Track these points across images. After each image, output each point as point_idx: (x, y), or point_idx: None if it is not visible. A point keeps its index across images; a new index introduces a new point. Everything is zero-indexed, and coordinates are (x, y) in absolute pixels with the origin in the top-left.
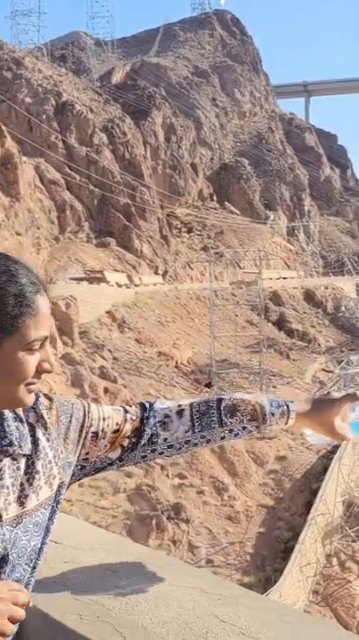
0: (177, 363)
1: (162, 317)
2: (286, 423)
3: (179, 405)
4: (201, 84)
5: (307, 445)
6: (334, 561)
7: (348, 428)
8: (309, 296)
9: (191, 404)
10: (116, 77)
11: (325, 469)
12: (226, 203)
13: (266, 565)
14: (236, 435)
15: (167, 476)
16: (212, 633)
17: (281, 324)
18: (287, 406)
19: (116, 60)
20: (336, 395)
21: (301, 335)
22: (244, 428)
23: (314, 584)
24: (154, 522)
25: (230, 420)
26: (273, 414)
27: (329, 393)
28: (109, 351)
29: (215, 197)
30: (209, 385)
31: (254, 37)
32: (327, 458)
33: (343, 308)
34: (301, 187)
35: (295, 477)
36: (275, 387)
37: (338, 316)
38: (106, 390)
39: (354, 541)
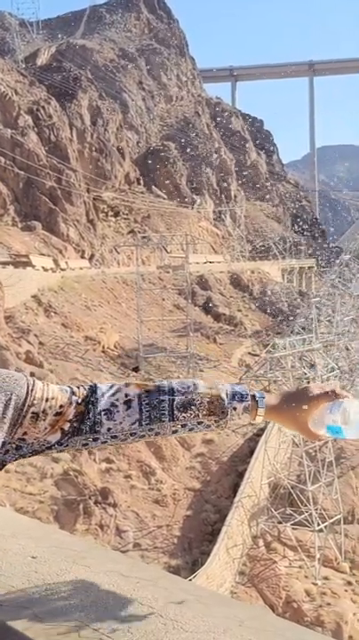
0: (104, 347)
1: (88, 302)
2: (254, 418)
3: (127, 395)
4: (127, 67)
5: (234, 429)
6: (260, 542)
7: (323, 429)
8: (236, 280)
9: (139, 395)
10: (42, 59)
11: (251, 452)
12: (152, 187)
13: (193, 548)
14: (191, 429)
15: (94, 460)
16: (131, 616)
17: (208, 308)
18: (256, 400)
19: (41, 41)
20: (314, 390)
21: (228, 319)
22: (201, 422)
23: (240, 565)
24: (81, 507)
25: (183, 414)
26: (234, 408)
27: (306, 389)
28: (35, 336)
29: (142, 181)
30: (136, 369)
31: (181, 21)
32: (253, 440)
33: (269, 293)
34: (228, 171)
35: (222, 460)
36: (202, 370)
37: (264, 301)
38: (32, 375)
39: (279, 523)
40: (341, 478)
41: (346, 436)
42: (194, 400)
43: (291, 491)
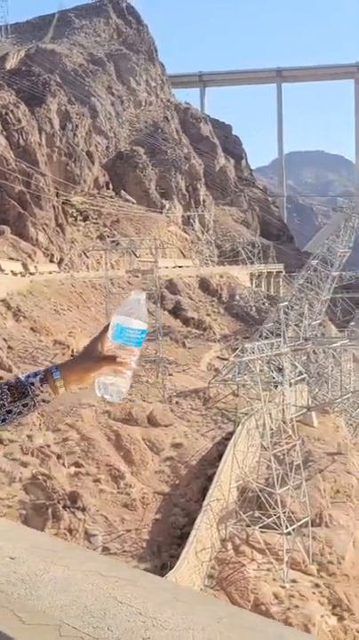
0: (73, 351)
1: (58, 306)
2: (54, 387)
3: None
4: (96, 72)
5: (203, 432)
6: (229, 545)
7: (112, 346)
8: (204, 285)
9: None
10: (10, 63)
11: (220, 456)
12: (122, 191)
13: (162, 552)
14: (3, 420)
15: (63, 464)
16: (111, 614)
17: (177, 312)
18: (50, 370)
19: (10, 45)
20: (96, 351)
21: (197, 323)
22: (10, 411)
23: (209, 568)
24: (50, 511)
25: None
26: (32, 384)
27: (94, 348)
28: (4, 340)
29: (111, 186)
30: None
31: (150, 26)
32: (222, 444)
33: (237, 297)
34: (197, 176)
35: (191, 464)
36: (171, 374)
37: (232, 305)
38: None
39: (248, 526)
40: (309, 481)
41: (128, 326)
42: None
43: (260, 494)
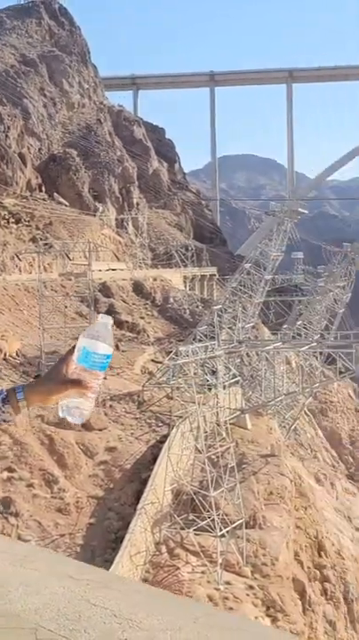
0: (5, 355)
1: None
2: (16, 407)
3: None
4: (29, 74)
5: (137, 436)
6: (163, 549)
7: (78, 368)
8: (138, 288)
9: None
10: None
11: (155, 459)
12: (54, 194)
13: (96, 556)
14: None
15: None
16: (85, 616)
17: (110, 315)
18: (14, 390)
19: None
20: (61, 374)
21: (130, 326)
22: None
23: (143, 572)
24: None
25: None
26: None
27: (59, 371)
28: None
29: (44, 188)
30: (38, 377)
31: (83, 28)
32: (157, 447)
33: (171, 300)
34: (130, 179)
35: (125, 468)
36: (105, 378)
37: (166, 308)
38: None
39: (182, 529)
40: (243, 483)
41: (93, 350)
42: None
43: (194, 497)
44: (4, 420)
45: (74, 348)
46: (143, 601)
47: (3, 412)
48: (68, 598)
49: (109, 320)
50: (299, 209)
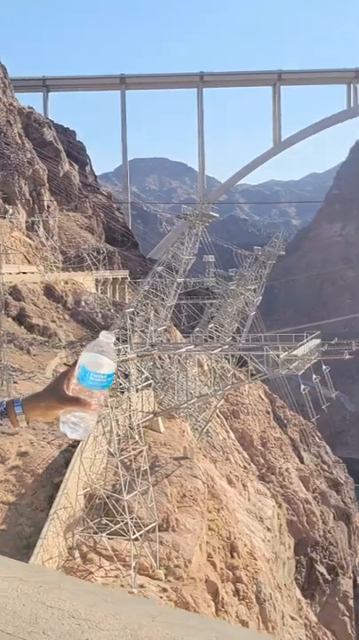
0: None
1: None
2: (15, 421)
3: None
4: None
5: (49, 440)
6: (76, 553)
7: (78, 386)
8: (49, 291)
9: None
10: None
11: (67, 463)
12: None
13: None
14: None
15: None
16: (42, 618)
17: (21, 318)
18: (12, 403)
19: None
20: (64, 391)
21: (42, 330)
22: None
23: None
24: None
25: None
26: None
27: (59, 389)
28: None
29: None
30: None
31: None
32: (69, 452)
33: (83, 303)
34: (40, 181)
35: (37, 472)
36: (16, 382)
37: (78, 311)
38: None
39: (95, 533)
40: (156, 486)
41: (93, 370)
42: None
43: (107, 500)
44: (3, 432)
45: (76, 362)
46: (98, 601)
47: (1, 424)
48: (23, 601)
49: (112, 337)
50: (211, 212)
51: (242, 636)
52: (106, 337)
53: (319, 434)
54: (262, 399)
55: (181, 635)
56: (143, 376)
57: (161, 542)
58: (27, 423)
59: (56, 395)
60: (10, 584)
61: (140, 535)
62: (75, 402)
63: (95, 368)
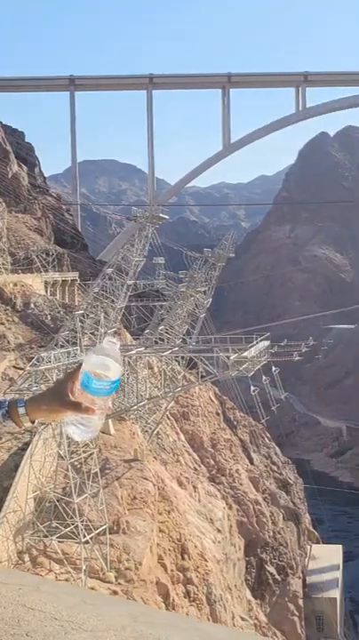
0: None
1: None
2: (19, 422)
3: None
4: None
5: None
6: (26, 557)
7: (82, 393)
8: None
9: None
10: None
11: (17, 466)
12: None
13: None
14: None
15: None
16: (25, 620)
17: None
18: (15, 404)
19: None
20: (67, 396)
21: None
22: None
23: None
24: None
25: None
26: None
27: (63, 392)
28: None
29: None
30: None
31: None
32: (18, 455)
33: (32, 305)
34: None
35: None
36: None
37: (27, 313)
38: None
39: (45, 536)
40: (106, 489)
41: (95, 379)
42: None
43: (57, 503)
44: (8, 433)
45: (81, 365)
46: (78, 602)
47: (4, 426)
48: (3, 604)
49: (117, 342)
50: (161, 214)
51: (223, 634)
52: (110, 341)
53: (269, 435)
54: (212, 401)
55: (165, 634)
56: None
57: (111, 545)
58: (33, 422)
59: (59, 399)
60: None
61: (91, 538)
62: (78, 407)
63: (99, 374)
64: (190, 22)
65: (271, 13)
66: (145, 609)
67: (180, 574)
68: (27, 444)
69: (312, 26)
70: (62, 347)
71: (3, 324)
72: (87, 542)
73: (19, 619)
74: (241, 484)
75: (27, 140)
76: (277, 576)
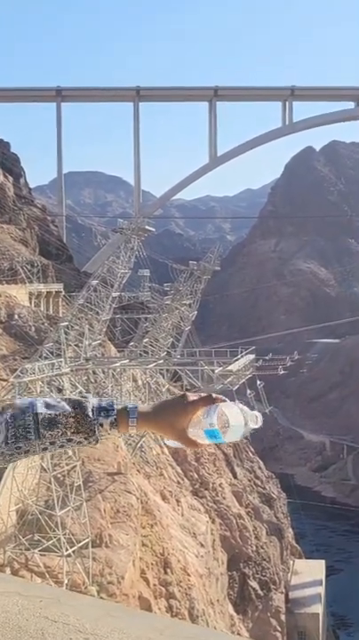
0: None
1: None
2: (126, 431)
3: None
4: None
5: None
6: (7, 571)
7: (201, 435)
8: None
9: (10, 415)
10: None
11: None
12: None
13: None
14: (62, 446)
15: None
16: (49, 633)
17: None
18: (127, 413)
19: None
20: (190, 396)
21: None
22: (70, 440)
23: None
24: None
25: (49, 432)
26: (101, 425)
27: (183, 396)
28: None
29: None
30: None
31: None
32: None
33: (16, 317)
34: None
35: None
36: None
37: (11, 325)
38: None
39: (27, 549)
40: (89, 502)
41: (224, 439)
42: (59, 418)
43: (40, 516)
44: (97, 441)
45: (200, 401)
46: (102, 615)
47: (109, 434)
48: (25, 616)
49: (259, 422)
50: (146, 227)
51: None
52: (253, 423)
53: (252, 449)
54: None
55: None
56: (77, 390)
57: (94, 558)
58: (137, 430)
59: (176, 433)
60: (9, 599)
61: (73, 551)
62: (192, 444)
63: (222, 436)
64: (181, 33)
65: (257, 28)
66: (170, 622)
67: (163, 588)
68: None
69: (298, 40)
70: (46, 358)
71: None
72: (69, 556)
73: (43, 631)
74: (224, 498)
75: (12, 150)
76: (260, 591)
